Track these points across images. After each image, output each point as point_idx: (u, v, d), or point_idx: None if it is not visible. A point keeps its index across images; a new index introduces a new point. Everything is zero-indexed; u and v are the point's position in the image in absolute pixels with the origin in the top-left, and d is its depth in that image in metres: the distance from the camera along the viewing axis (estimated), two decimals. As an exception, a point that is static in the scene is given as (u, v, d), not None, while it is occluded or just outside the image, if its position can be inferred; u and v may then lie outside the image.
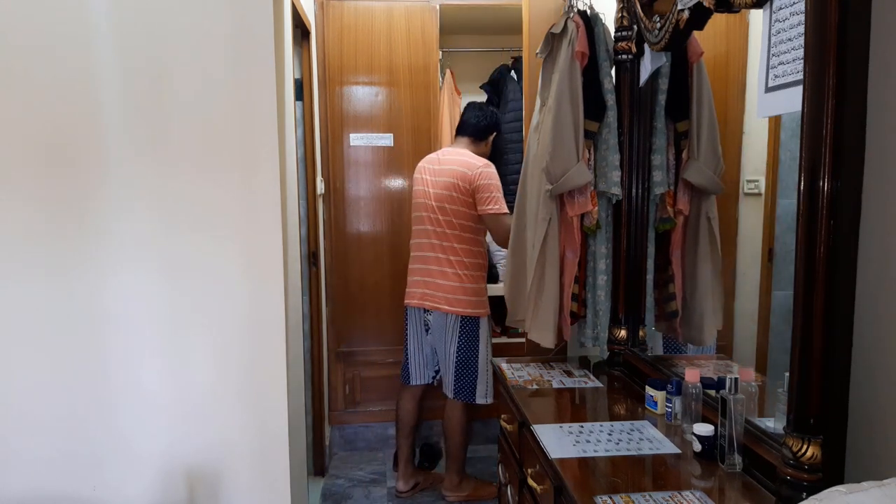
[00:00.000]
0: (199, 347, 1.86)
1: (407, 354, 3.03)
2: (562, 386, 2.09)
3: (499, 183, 2.81)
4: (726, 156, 1.99)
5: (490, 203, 2.77)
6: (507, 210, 2.74)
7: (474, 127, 2.93)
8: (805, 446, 1.21)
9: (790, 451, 1.23)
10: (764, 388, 1.61)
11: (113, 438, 1.86)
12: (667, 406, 1.75)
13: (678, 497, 1.33)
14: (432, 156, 2.97)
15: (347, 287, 3.47)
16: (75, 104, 1.76)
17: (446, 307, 2.84)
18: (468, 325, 2.85)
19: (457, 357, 2.87)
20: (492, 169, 2.81)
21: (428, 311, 2.91)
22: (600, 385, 2.10)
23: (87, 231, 1.80)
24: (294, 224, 2.47)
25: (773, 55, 1.39)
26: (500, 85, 3.77)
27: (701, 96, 1.99)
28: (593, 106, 2.12)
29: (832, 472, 1.21)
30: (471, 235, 2.84)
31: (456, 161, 2.83)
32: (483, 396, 2.90)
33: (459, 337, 2.85)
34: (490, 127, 2.95)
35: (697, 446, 1.53)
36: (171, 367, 1.86)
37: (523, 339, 2.78)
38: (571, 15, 2.17)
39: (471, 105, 3.02)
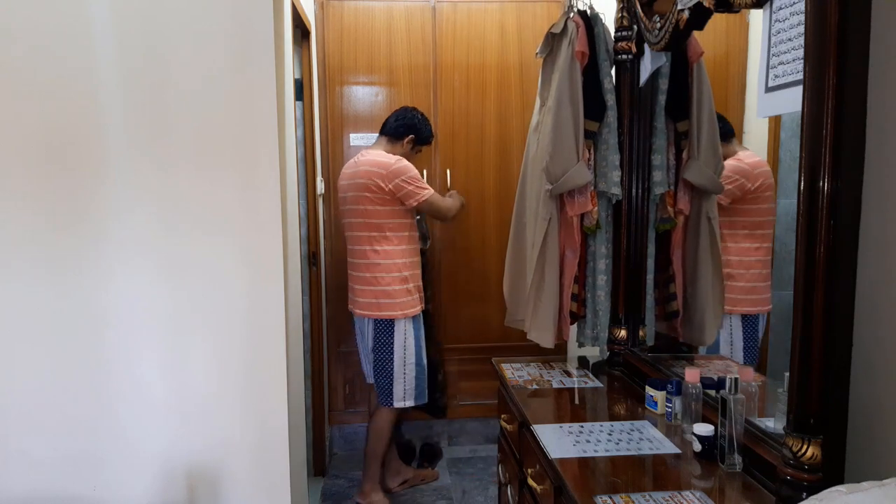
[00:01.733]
0: (199, 347, 1.86)
1: (359, 354, 3.04)
2: (562, 386, 2.09)
3: (414, 172, 2.77)
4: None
5: (414, 195, 2.73)
6: (430, 190, 2.78)
7: (389, 126, 2.89)
8: (805, 446, 1.21)
9: (790, 451, 1.23)
10: (764, 388, 1.61)
11: (113, 438, 1.86)
12: (667, 406, 1.75)
13: (678, 497, 1.33)
14: (351, 161, 2.91)
15: (347, 287, 3.46)
16: (76, 104, 1.76)
17: (359, 311, 2.83)
18: (380, 328, 2.79)
19: (373, 359, 2.82)
20: (403, 162, 2.76)
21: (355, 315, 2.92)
22: (600, 385, 2.10)
23: (86, 231, 1.80)
24: (294, 224, 2.47)
25: (773, 55, 1.39)
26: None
27: (701, 96, 2.00)
28: (593, 106, 2.12)
29: (832, 472, 1.21)
30: (386, 234, 2.76)
31: (369, 162, 2.77)
32: (401, 399, 2.81)
33: (374, 339, 2.81)
34: (405, 127, 2.88)
35: (697, 446, 1.53)
36: (171, 366, 1.86)
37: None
38: (571, 15, 2.17)
39: (399, 108, 2.97)
